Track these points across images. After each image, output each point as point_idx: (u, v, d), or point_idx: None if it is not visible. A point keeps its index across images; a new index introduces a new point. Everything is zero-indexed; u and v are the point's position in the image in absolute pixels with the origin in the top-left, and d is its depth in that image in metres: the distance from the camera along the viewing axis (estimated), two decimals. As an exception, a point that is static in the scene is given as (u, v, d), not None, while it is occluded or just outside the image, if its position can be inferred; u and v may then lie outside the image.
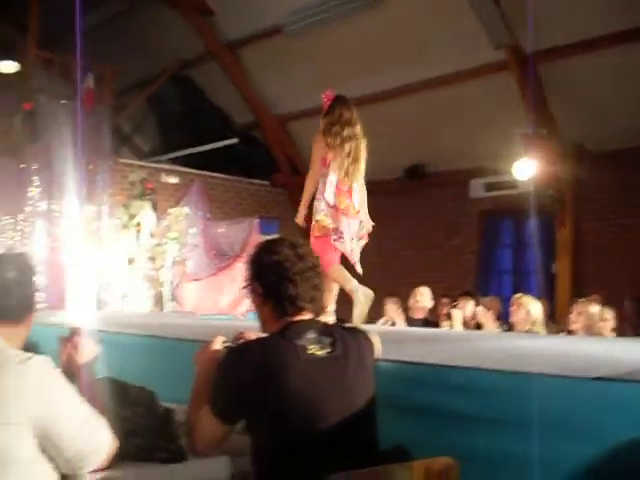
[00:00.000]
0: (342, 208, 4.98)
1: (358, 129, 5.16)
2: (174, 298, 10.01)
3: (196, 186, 11.55)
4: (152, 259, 9.81)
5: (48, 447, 2.20)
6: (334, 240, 4.88)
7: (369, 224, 5.21)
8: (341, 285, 4.93)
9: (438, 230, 11.54)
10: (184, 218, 10.36)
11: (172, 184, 11.50)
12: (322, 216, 4.92)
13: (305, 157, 12.16)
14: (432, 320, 7.82)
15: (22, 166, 9.70)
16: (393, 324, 7.85)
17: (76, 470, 2.27)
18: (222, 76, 11.97)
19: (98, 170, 10.25)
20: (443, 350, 3.99)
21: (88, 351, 2.60)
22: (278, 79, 11.36)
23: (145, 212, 9.88)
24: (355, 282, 4.81)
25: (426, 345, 4.35)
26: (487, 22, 8.85)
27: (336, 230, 4.92)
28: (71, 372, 2.55)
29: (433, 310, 8.07)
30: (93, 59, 10.50)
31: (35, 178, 9.84)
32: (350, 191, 5.05)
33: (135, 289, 9.59)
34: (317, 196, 5.03)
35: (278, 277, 2.53)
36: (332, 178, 5.02)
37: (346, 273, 4.92)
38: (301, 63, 10.58)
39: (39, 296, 2.56)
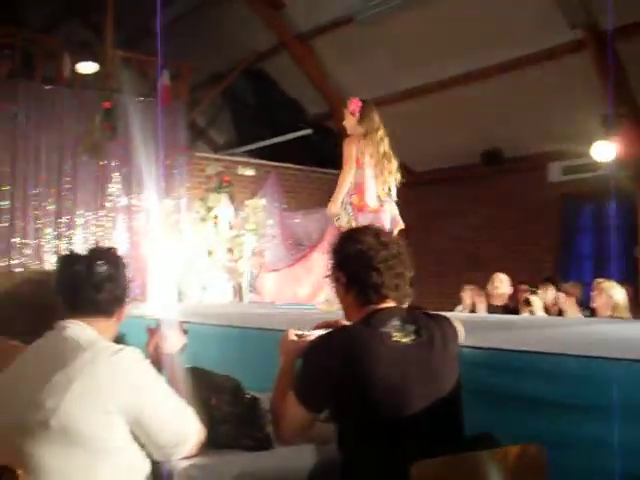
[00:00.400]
0: (359, 204, 5.63)
1: (382, 129, 5.82)
2: (253, 289, 10.14)
3: (272, 177, 11.67)
4: (230, 250, 9.94)
5: (139, 435, 2.27)
6: None
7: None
8: None
9: (516, 215, 11.36)
10: (261, 209, 10.48)
11: (248, 176, 11.62)
12: (347, 221, 5.58)
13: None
14: (512, 306, 7.73)
15: (102, 163, 9.94)
16: (472, 311, 7.80)
17: (166, 457, 2.34)
18: (295, 67, 12.01)
19: (175, 164, 10.42)
20: (526, 336, 3.95)
21: (175, 342, 2.67)
22: (351, 68, 11.33)
23: (222, 204, 10.02)
24: None
25: (509, 331, 4.32)
26: (562, 1, 8.66)
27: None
28: (159, 362, 2.62)
29: (512, 297, 7.97)
30: (168, 56, 10.67)
31: (115, 174, 10.09)
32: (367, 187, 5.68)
33: (214, 280, 9.74)
34: (347, 197, 5.67)
35: (362, 266, 2.53)
36: (363, 179, 5.66)
37: None
38: (374, 51, 10.53)
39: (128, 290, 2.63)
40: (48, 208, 9.56)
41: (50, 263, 9.21)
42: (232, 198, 10.32)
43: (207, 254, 9.83)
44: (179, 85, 10.82)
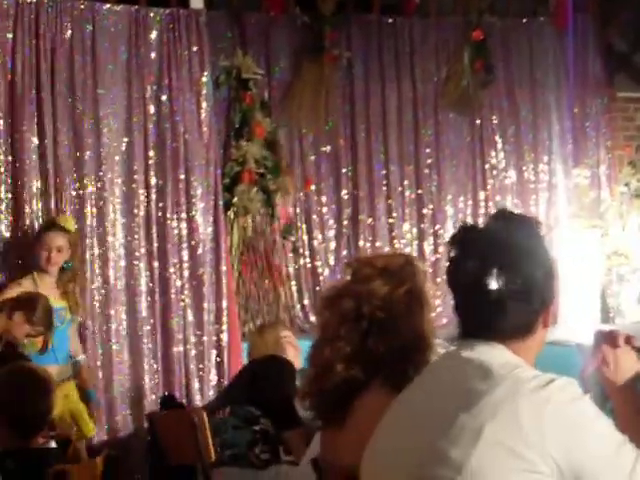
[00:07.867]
0: None
1: None
2: None
3: None
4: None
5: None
6: None
7: None
8: None
9: None
10: None
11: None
12: None
13: None
14: None
15: (477, 122, 10.09)
16: None
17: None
18: None
19: (588, 113, 10.39)
20: None
21: (627, 366, 2.65)
22: None
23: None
24: None
25: None
26: None
27: None
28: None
29: None
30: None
31: (497, 138, 10.21)
32: None
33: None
34: None
35: None
36: None
37: None
38: None
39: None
40: (404, 195, 9.95)
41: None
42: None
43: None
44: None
